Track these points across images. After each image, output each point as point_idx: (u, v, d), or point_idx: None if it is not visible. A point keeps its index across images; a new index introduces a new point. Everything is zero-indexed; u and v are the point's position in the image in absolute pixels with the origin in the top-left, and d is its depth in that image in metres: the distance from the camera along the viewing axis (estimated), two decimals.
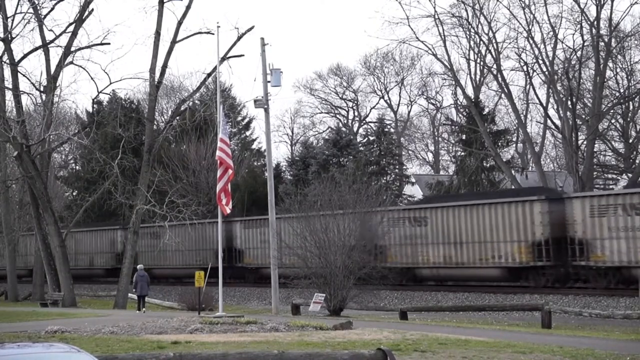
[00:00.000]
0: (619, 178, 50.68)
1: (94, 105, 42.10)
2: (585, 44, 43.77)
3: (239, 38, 33.25)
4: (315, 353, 11.66)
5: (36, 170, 33.83)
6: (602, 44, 43.36)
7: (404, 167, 57.71)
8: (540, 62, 45.55)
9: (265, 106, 27.69)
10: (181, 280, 44.72)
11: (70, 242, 51.42)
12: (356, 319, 21.18)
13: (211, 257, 41.81)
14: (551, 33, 44.86)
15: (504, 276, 32.80)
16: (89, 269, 51.19)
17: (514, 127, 57.03)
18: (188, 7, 34.20)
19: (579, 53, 44.01)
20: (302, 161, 54.46)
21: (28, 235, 48.26)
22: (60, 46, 34.97)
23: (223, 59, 32.10)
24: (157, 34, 34.02)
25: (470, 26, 46.92)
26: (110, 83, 38.58)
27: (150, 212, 33.86)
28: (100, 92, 36.62)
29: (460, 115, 57.70)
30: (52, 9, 35.42)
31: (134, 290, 30.04)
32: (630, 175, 46.32)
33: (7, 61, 34.42)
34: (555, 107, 50.33)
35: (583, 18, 42.99)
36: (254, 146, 61.27)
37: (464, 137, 51.82)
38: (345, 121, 76.82)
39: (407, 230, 35.10)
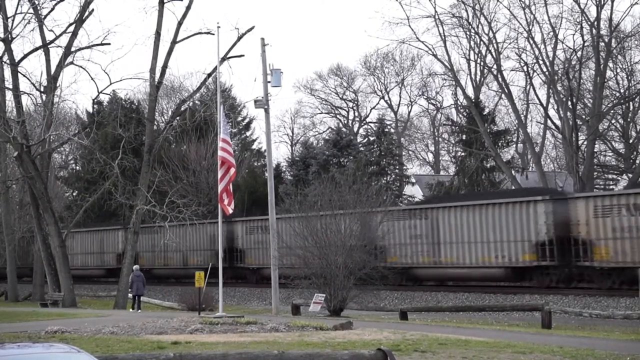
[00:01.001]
0: (619, 178, 50.69)
1: (94, 106, 42.15)
2: (586, 44, 43.81)
3: (239, 38, 33.29)
4: (315, 353, 11.66)
5: (36, 170, 33.84)
6: (602, 44, 43.38)
7: (404, 167, 57.73)
8: (541, 62, 45.60)
9: (266, 106, 27.70)
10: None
11: (158, 238, 45.36)
12: (356, 319, 21.18)
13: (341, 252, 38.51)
14: (551, 33, 44.92)
15: None
16: (183, 268, 45.46)
17: (514, 128, 57.02)
18: (188, 8, 34.25)
19: (579, 53, 44.06)
20: (303, 161, 54.45)
21: (28, 235, 48.23)
22: (61, 46, 35.03)
23: (223, 59, 32.12)
24: (157, 34, 34.04)
25: (470, 26, 46.94)
26: (111, 83, 38.75)
27: (151, 212, 33.88)
28: (101, 92, 36.69)
29: (460, 115, 57.73)
30: (52, 9, 35.48)
31: (130, 289, 30.24)
32: (630, 175, 46.33)
33: (8, 61, 34.44)
34: (555, 107, 50.35)
35: (583, 18, 43.03)
36: (254, 146, 61.28)
37: (464, 137, 51.84)
38: (346, 121, 76.87)
39: (624, 220, 28.37)
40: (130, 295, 30.56)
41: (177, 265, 46.25)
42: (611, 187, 50.61)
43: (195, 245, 44.75)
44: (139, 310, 28.22)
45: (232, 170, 21.70)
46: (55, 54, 37.47)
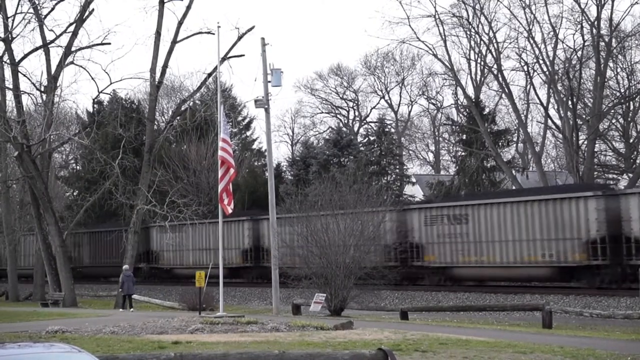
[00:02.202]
0: (620, 178, 50.61)
1: (95, 105, 42.17)
2: (586, 44, 43.78)
3: (240, 38, 33.36)
4: (316, 353, 11.65)
5: (37, 170, 33.86)
6: (602, 43, 43.34)
7: (405, 167, 57.71)
8: (541, 62, 45.57)
9: (266, 106, 27.70)
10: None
11: (295, 231, 36.00)
12: (357, 319, 21.17)
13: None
14: (552, 33, 44.89)
15: None
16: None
17: (515, 127, 57.00)
18: (188, 7, 34.32)
19: (579, 53, 44.04)
20: (303, 161, 54.46)
21: (29, 235, 48.21)
22: (61, 46, 35.09)
23: (223, 59, 32.16)
24: (158, 34, 34.09)
25: (470, 26, 46.90)
26: (111, 83, 38.86)
27: (151, 212, 33.91)
28: (101, 92, 36.75)
29: (460, 115, 57.68)
30: (53, 9, 35.55)
31: (119, 290, 30.61)
32: (631, 175, 46.30)
33: (8, 61, 34.49)
34: (555, 107, 50.32)
35: (583, 18, 43.01)
36: (254, 146, 61.28)
37: (464, 137, 51.81)
38: (346, 121, 76.86)
39: None
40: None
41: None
42: (611, 186, 50.43)
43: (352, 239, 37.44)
44: (129, 309, 28.79)
45: (232, 170, 21.72)
46: (56, 54, 37.62)
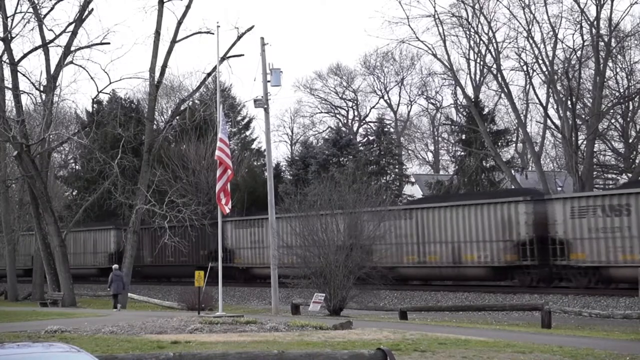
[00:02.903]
0: (619, 178, 50.63)
1: (94, 105, 42.07)
2: (585, 43, 43.77)
3: (239, 38, 33.35)
4: (315, 353, 11.64)
5: (36, 169, 33.85)
6: (602, 43, 43.34)
7: (404, 166, 57.72)
8: (540, 62, 45.55)
9: (265, 106, 27.70)
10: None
11: (408, 225, 34.22)
12: (356, 319, 21.17)
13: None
14: (551, 33, 44.87)
15: None
16: (453, 266, 33.30)
17: (514, 127, 57.01)
18: (188, 7, 34.29)
19: (578, 53, 44.02)
20: (302, 161, 54.45)
21: (28, 234, 48.15)
22: (60, 46, 35.05)
23: (223, 58, 32.14)
24: (157, 33, 34.06)
25: (470, 26, 46.89)
26: (110, 83, 38.66)
27: (150, 211, 33.90)
28: (100, 91, 36.64)
29: (460, 115, 57.71)
30: (52, 8, 35.47)
31: (108, 289, 31.22)
32: (630, 175, 46.31)
33: (7, 61, 34.46)
34: (555, 107, 50.32)
35: (583, 18, 43.00)
36: (253, 146, 61.23)
37: (463, 136, 51.83)
38: (345, 121, 76.81)
39: None
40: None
41: (441, 262, 33.25)
42: (610, 186, 50.48)
43: (475, 233, 32.16)
44: (119, 309, 28.98)
45: (229, 171, 21.71)
46: (55, 54, 37.45)
